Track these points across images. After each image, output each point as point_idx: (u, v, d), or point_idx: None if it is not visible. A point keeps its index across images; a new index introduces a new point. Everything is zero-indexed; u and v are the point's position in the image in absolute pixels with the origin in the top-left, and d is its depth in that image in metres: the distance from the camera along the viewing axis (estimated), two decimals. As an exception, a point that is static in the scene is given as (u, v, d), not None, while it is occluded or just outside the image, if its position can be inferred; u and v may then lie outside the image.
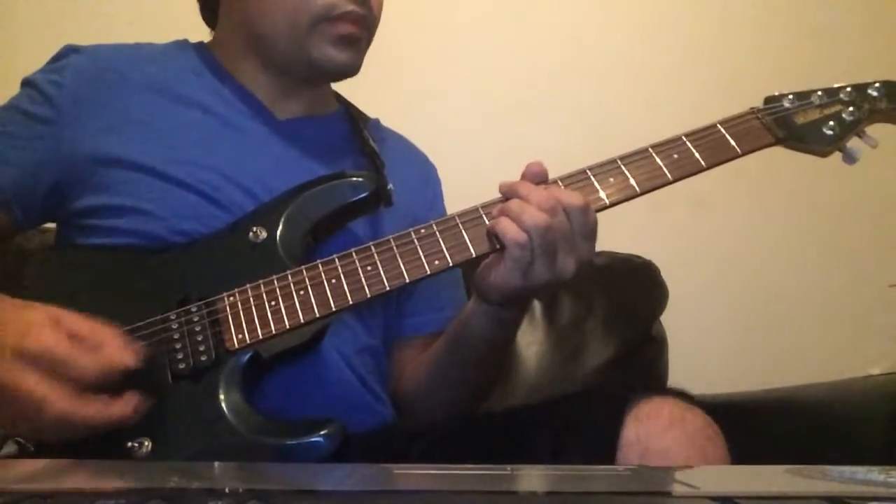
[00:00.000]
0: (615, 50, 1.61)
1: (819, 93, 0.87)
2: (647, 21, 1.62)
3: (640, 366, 1.36)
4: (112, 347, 0.71)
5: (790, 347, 1.56)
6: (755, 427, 1.08)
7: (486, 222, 0.81)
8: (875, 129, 0.88)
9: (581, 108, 1.59)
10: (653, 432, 0.69)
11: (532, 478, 0.55)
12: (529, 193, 0.77)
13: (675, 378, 1.39)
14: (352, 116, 1.03)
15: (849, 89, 0.87)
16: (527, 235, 0.75)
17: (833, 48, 1.59)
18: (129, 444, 0.73)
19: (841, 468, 0.57)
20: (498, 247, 0.79)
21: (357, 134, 1.00)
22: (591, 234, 0.78)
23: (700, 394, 1.25)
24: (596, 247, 0.80)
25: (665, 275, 1.36)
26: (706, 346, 1.52)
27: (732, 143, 0.83)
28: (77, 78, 0.92)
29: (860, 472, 0.56)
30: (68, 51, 0.95)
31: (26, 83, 0.94)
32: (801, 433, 1.04)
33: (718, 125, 0.84)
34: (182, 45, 1.01)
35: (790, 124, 0.85)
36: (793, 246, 1.60)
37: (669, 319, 1.39)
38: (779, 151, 0.89)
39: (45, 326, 0.70)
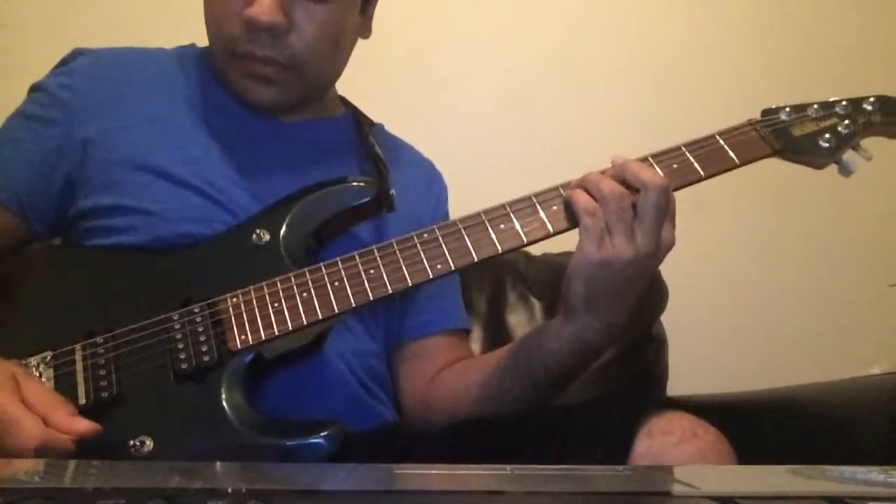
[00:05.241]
0: (615, 57, 1.61)
1: (815, 106, 0.88)
2: (647, 28, 1.62)
3: (640, 366, 1.36)
4: (58, 417, 0.68)
5: (790, 347, 1.56)
6: (755, 427, 1.08)
7: (489, 227, 0.81)
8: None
9: (581, 117, 1.58)
10: (665, 447, 0.69)
11: (532, 478, 0.55)
12: (606, 173, 0.79)
13: (675, 378, 1.39)
14: (357, 121, 1.03)
15: (844, 103, 0.88)
16: (597, 204, 0.76)
17: (829, 61, 1.59)
18: (131, 443, 0.73)
19: (841, 468, 0.57)
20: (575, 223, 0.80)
21: (362, 138, 1.00)
22: (669, 213, 0.78)
23: (700, 394, 1.26)
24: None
25: (665, 275, 1.36)
26: (706, 346, 1.51)
27: (731, 153, 0.84)
28: (86, 80, 0.92)
29: (860, 472, 0.56)
30: (76, 54, 0.96)
31: (35, 88, 0.94)
32: (801, 433, 1.04)
33: (717, 136, 0.85)
34: (189, 49, 1.02)
35: (787, 136, 0.86)
36: (793, 246, 1.60)
37: (669, 319, 1.39)
38: (778, 152, 0.89)
39: (3, 383, 0.69)
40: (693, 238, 1.56)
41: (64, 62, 0.96)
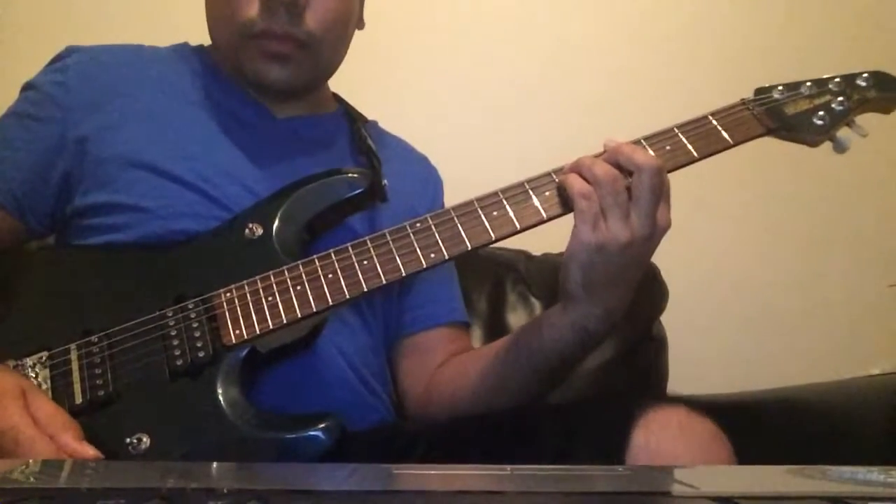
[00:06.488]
0: (608, 45, 1.61)
1: (808, 83, 0.87)
2: (640, 16, 1.62)
3: (640, 366, 1.36)
4: (67, 441, 0.69)
5: (790, 347, 1.55)
6: (755, 427, 1.08)
7: (482, 215, 0.81)
8: (877, 126, 0.88)
9: (573, 102, 1.59)
10: (662, 441, 0.69)
11: (532, 478, 0.55)
12: (599, 157, 0.79)
13: (675, 378, 1.39)
14: (350, 117, 1.04)
15: (838, 80, 0.87)
16: (591, 187, 0.76)
17: (822, 39, 1.59)
18: (128, 440, 0.73)
19: (841, 468, 0.56)
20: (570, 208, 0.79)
21: (355, 133, 1.00)
22: (664, 195, 0.77)
23: (700, 394, 1.26)
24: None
25: (665, 275, 1.36)
26: (706, 346, 1.51)
27: (724, 133, 0.84)
28: (80, 77, 0.92)
29: (860, 472, 0.56)
30: (70, 51, 0.96)
31: (28, 86, 0.94)
32: (801, 433, 1.04)
33: (710, 116, 0.85)
34: (183, 47, 1.02)
35: (781, 115, 0.85)
36: (792, 246, 1.60)
37: (669, 319, 1.39)
38: (776, 151, 0.89)
39: (14, 400, 0.69)
40: (693, 238, 1.57)
41: (57, 59, 0.95)
